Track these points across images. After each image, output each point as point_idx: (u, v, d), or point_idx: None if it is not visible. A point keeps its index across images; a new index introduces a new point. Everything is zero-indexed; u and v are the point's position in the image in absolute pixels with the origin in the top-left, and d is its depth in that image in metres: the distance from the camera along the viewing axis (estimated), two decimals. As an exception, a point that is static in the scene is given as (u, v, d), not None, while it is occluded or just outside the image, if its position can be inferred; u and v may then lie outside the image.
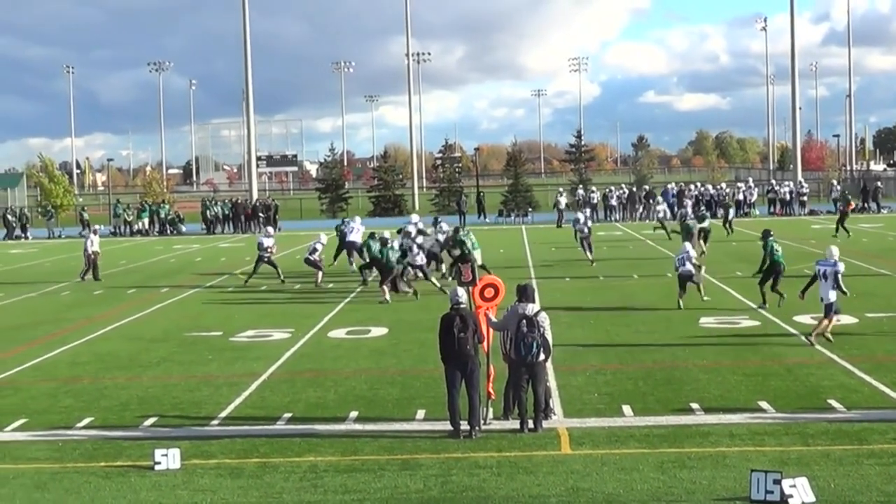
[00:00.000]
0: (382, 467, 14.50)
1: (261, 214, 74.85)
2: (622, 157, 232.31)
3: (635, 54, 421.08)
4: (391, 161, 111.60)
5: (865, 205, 75.19)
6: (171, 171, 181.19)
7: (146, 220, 75.42)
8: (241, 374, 21.53)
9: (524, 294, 16.71)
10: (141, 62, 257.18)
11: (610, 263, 42.07)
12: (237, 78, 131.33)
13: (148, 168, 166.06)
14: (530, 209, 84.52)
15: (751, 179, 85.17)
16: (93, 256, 41.93)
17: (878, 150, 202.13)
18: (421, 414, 17.51)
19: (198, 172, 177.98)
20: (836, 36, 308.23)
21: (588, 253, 41.36)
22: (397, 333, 26.20)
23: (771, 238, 28.27)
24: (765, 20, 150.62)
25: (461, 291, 16.72)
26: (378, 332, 26.63)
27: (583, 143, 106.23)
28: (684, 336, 24.52)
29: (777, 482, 12.39)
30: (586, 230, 41.73)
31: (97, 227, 49.54)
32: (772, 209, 76.40)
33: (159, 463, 14.64)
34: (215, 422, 17.58)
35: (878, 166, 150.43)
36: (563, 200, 74.43)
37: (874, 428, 15.77)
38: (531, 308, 16.46)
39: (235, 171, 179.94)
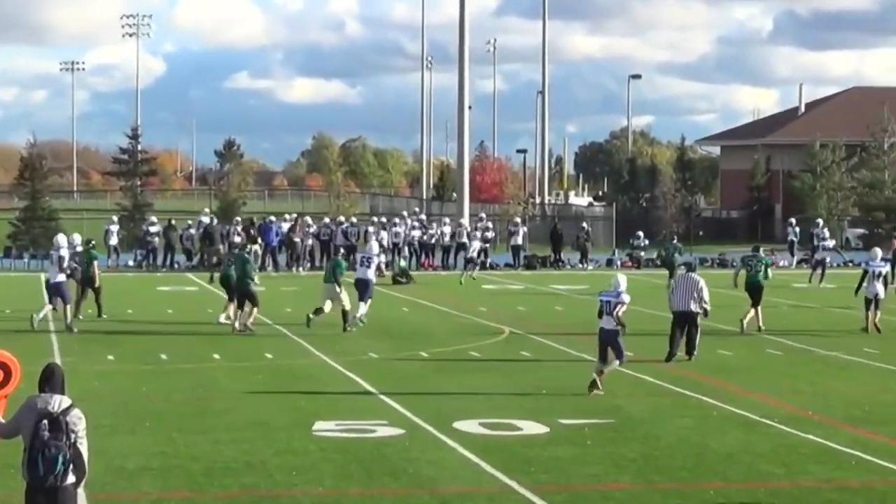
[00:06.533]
0: None
1: None
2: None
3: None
4: None
5: (557, 257, 56.11)
6: None
7: None
8: None
9: (50, 381, 11.19)
10: None
11: (187, 338, 30.07)
12: None
13: None
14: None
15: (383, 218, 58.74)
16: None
17: (580, 176, 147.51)
18: None
19: None
20: (519, 2, 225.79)
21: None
22: None
23: None
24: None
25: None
26: None
27: (140, 147, 73.92)
28: (290, 450, 17.39)
29: None
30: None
31: None
32: (421, 260, 54.74)
33: None
34: None
35: (581, 199, 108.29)
36: (115, 233, 53.45)
37: None
38: (58, 402, 11.00)
39: None
